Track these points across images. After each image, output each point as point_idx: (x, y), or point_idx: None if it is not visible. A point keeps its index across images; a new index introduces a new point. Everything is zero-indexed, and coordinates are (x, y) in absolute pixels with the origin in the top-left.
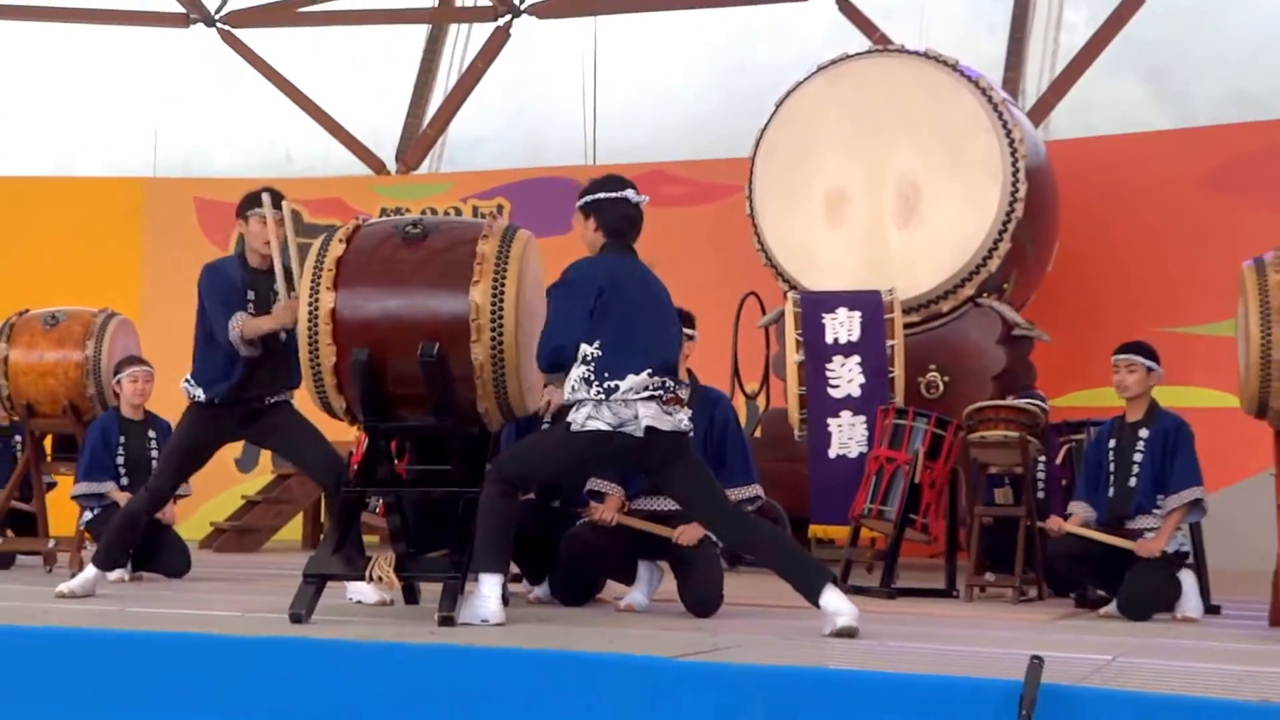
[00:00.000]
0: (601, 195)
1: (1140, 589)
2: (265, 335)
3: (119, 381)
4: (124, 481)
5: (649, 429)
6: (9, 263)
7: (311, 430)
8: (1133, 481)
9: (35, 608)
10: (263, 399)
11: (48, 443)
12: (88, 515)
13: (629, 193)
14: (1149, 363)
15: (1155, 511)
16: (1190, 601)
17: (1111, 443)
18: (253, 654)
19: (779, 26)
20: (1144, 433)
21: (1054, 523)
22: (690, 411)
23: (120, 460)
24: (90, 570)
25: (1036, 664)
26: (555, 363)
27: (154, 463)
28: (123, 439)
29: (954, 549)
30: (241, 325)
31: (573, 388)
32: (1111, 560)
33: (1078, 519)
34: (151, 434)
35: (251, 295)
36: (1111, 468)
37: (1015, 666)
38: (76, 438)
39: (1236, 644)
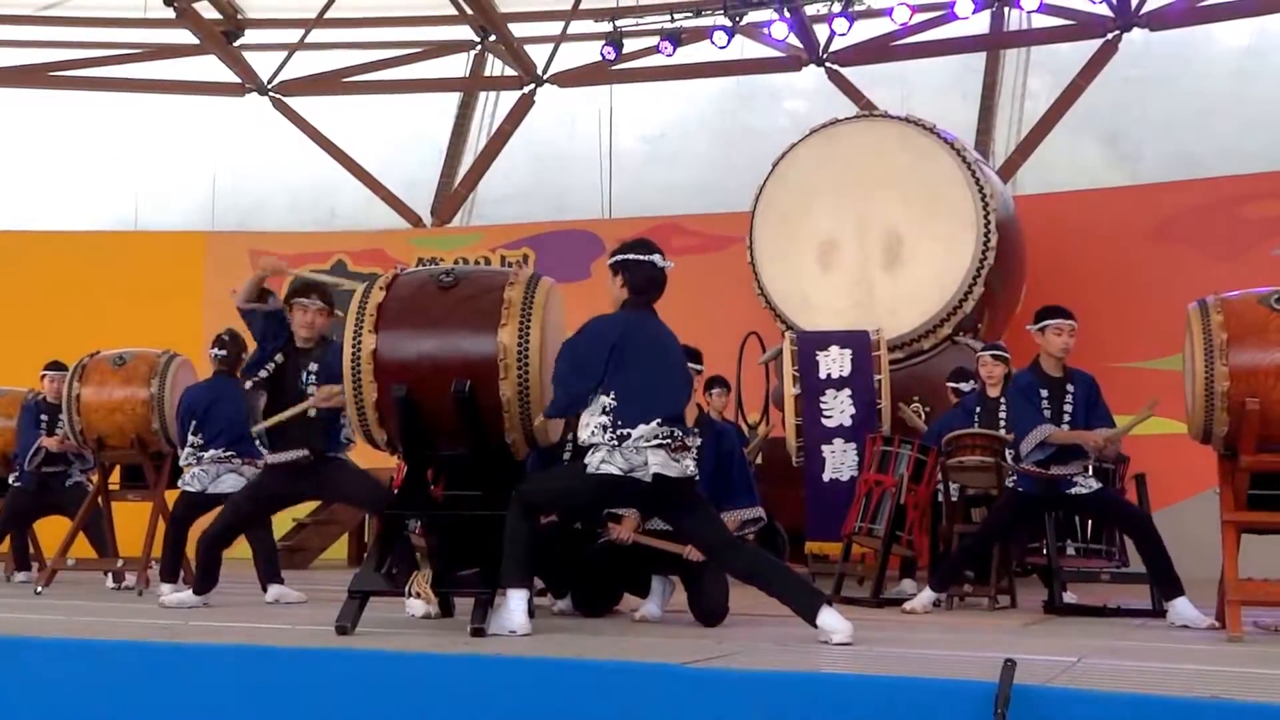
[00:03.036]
0: (631, 256)
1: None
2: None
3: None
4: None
5: (657, 476)
6: (84, 309)
7: (358, 473)
8: (1065, 429)
9: (105, 622)
10: (309, 458)
11: (115, 473)
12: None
13: (656, 257)
14: (1075, 322)
15: (1088, 459)
16: (1189, 615)
17: (1044, 394)
18: (303, 664)
19: (775, 94)
20: (1070, 388)
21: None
22: (697, 454)
23: None
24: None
25: (1010, 666)
26: (563, 413)
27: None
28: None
29: (936, 562)
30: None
31: (591, 432)
32: None
33: (1062, 434)
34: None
35: (279, 359)
36: (1047, 415)
37: (991, 669)
38: (143, 468)
39: (1189, 645)
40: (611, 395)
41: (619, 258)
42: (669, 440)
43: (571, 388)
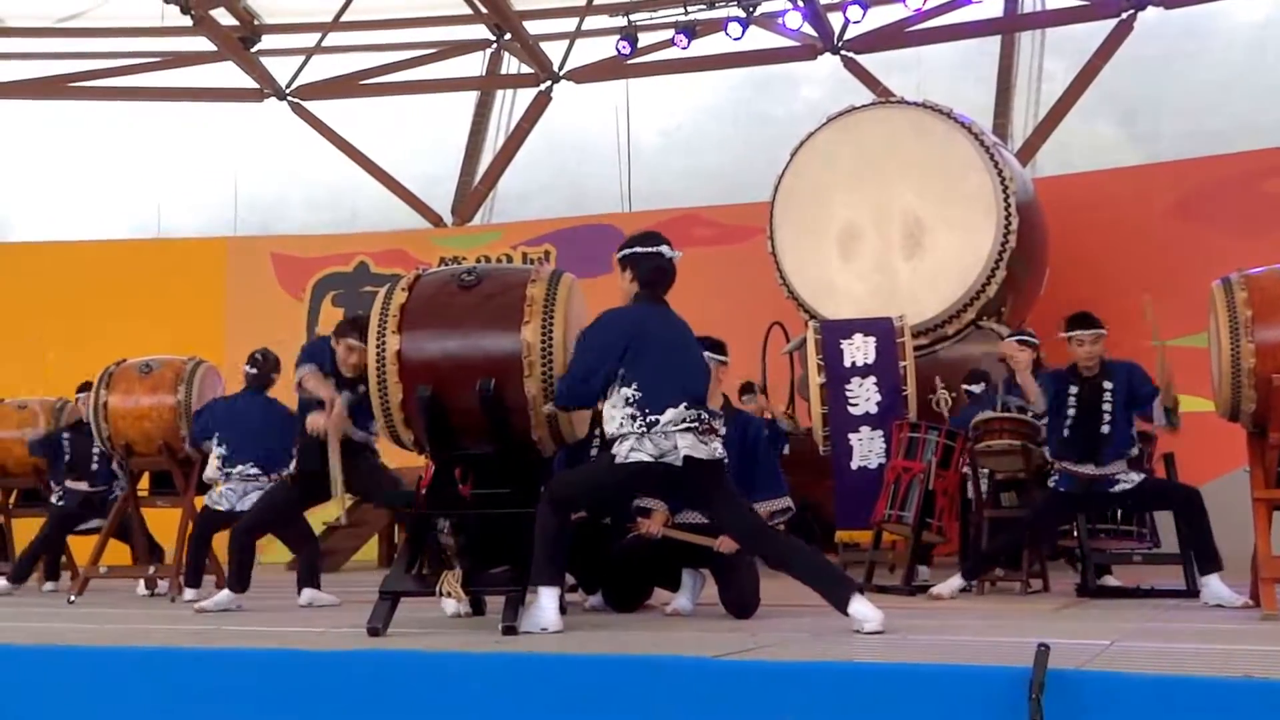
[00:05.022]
0: (638, 249)
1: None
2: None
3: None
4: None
5: (687, 458)
6: (107, 317)
7: (370, 468)
8: (1105, 429)
9: (139, 629)
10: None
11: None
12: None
13: (663, 248)
14: (1103, 330)
15: (1129, 454)
16: (1223, 594)
17: (1074, 389)
18: (336, 666)
19: (791, 83)
20: (1108, 385)
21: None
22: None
23: None
24: (227, 592)
25: (1043, 651)
26: (574, 401)
27: None
28: None
29: (966, 547)
30: (304, 376)
31: (620, 424)
32: None
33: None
34: None
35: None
36: (1072, 413)
37: (1024, 654)
38: (172, 474)
39: (1222, 624)
40: (634, 387)
41: (626, 252)
42: (696, 423)
43: (580, 380)
